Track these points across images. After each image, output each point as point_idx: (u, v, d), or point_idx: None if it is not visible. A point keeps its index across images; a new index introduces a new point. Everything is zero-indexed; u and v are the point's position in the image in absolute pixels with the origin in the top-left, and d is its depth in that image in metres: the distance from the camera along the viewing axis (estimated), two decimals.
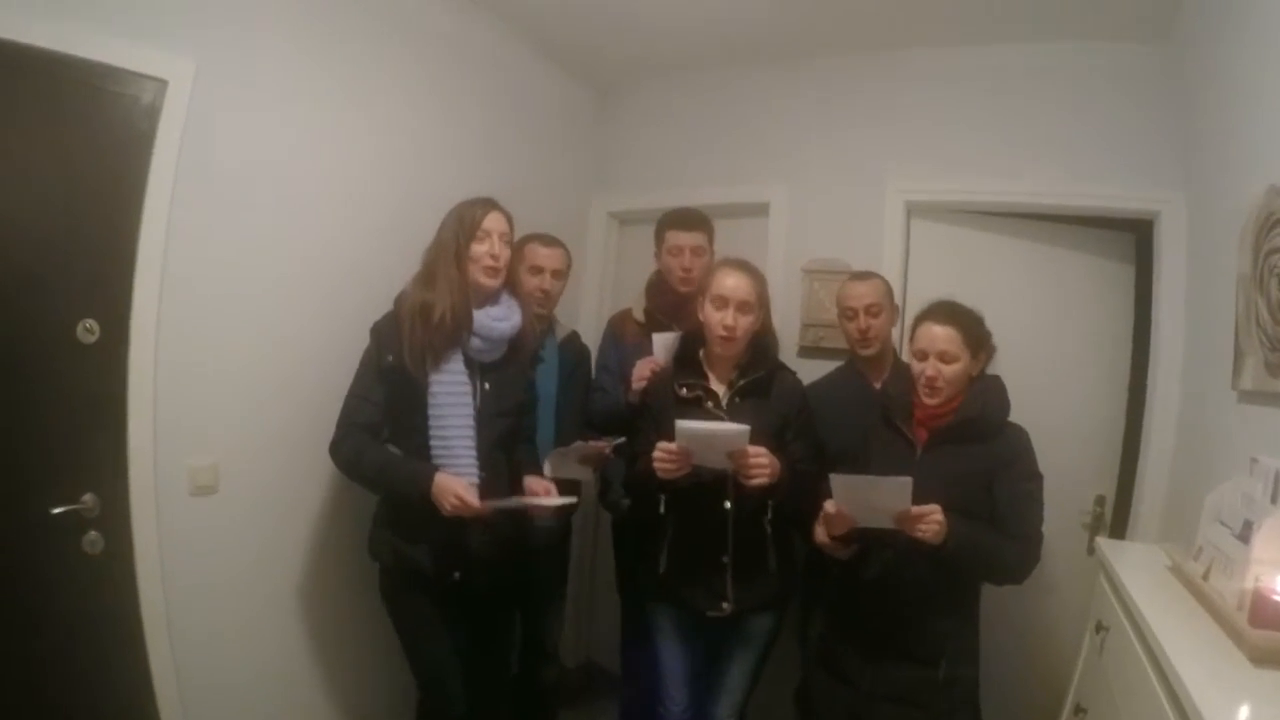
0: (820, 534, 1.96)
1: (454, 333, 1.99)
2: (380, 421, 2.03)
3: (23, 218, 1.77)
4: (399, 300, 2.06)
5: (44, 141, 1.78)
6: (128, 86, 1.90)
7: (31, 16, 1.71)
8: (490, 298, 2.09)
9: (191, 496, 2.09)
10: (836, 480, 1.75)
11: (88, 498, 1.87)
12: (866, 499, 1.75)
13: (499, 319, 2.08)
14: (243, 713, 2.23)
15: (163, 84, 1.94)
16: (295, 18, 2.30)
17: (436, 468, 1.94)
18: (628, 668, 2.85)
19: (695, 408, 2.04)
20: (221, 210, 2.12)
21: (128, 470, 1.94)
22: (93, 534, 1.88)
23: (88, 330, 1.87)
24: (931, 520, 1.73)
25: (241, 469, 2.20)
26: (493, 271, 2.06)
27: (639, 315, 2.73)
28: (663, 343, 2.32)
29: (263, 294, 2.24)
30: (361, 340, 2.08)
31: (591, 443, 2.38)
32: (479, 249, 2.03)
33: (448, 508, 1.88)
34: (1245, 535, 1.32)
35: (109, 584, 1.92)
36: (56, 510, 1.81)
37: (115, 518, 1.92)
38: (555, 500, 2.04)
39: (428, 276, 2.04)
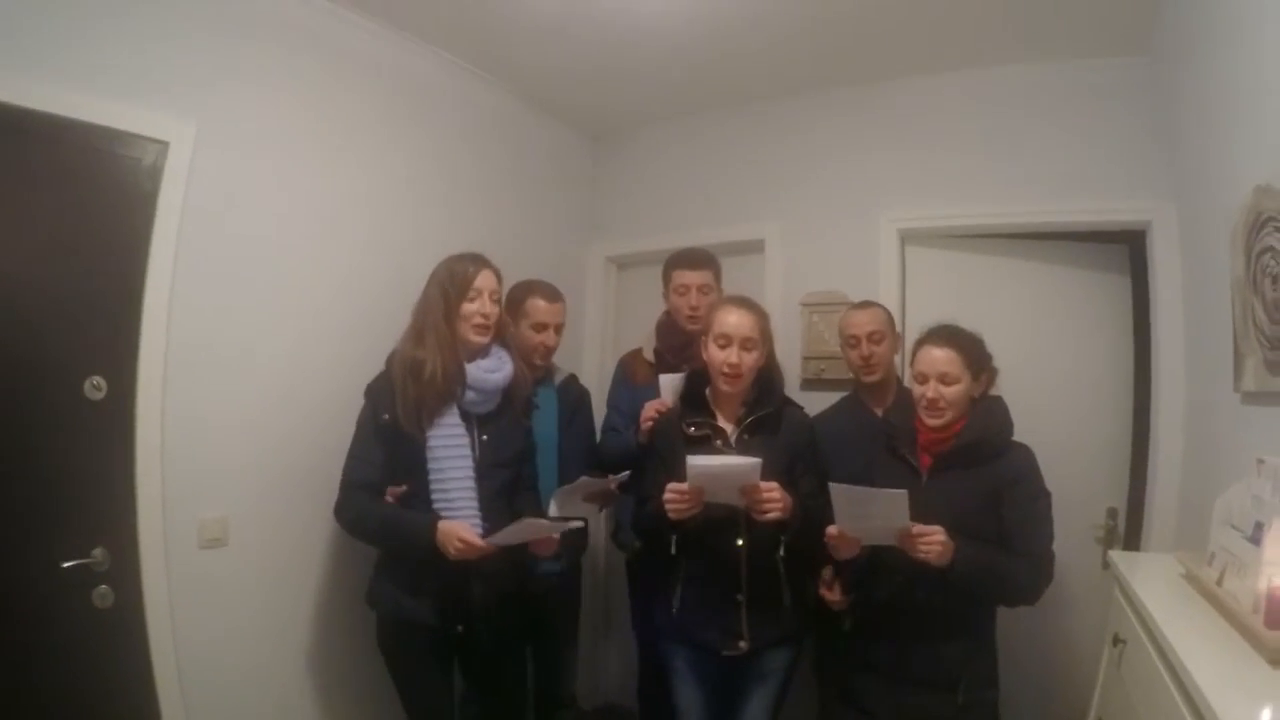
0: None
1: (446, 389, 2.00)
2: (381, 479, 2.03)
3: (30, 277, 1.81)
4: (390, 359, 2.08)
5: (50, 203, 1.83)
6: (130, 149, 1.96)
7: (34, 81, 1.78)
8: (480, 350, 2.11)
9: (201, 549, 2.10)
10: (835, 490, 1.75)
11: (98, 552, 1.88)
12: (865, 511, 1.75)
13: (491, 370, 2.09)
14: None
15: (164, 145, 2.01)
16: (292, 78, 2.37)
17: (438, 516, 1.94)
18: (646, 709, 2.80)
19: (704, 446, 2.02)
20: (224, 267, 2.16)
21: (137, 524, 1.96)
22: (103, 588, 1.89)
23: (95, 387, 1.90)
24: (933, 541, 1.72)
25: (250, 521, 2.21)
26: (483, 329, 2.07)
27: (649, 355, 2.74)
28: (669, 384, 2.30)
29: (267, 348, 2.27)
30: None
31: (597, 479, 2.37)
32: (470, 308, 2.05)
33: (453, 552, 1.87)
34: (1256, 537, 1.29)
35: (120, 637, 1.92)
36: (67, 565, 1.82)
37: (125, 571, 1.93)
38: (561, 525, 2.03)
39: (417, 334, 2.05)
